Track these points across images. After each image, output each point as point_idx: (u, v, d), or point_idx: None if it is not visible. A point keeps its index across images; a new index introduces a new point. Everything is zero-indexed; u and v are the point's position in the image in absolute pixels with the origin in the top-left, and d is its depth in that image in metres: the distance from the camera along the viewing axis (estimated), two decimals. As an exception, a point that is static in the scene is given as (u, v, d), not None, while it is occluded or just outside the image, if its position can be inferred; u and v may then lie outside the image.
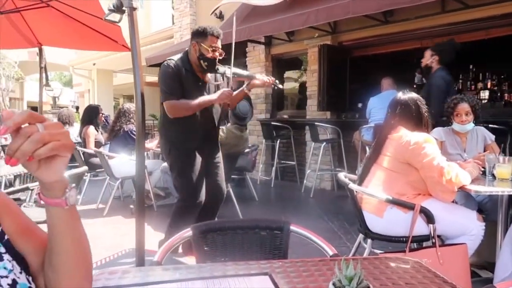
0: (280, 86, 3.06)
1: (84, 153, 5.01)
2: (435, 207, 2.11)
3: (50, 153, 0.60)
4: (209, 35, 2.76)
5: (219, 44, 2.79)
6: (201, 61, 2.76)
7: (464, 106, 2.70)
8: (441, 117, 3.35)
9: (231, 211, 4.32)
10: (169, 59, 2.78)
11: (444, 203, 2.16)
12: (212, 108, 2.90)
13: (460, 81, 6.23)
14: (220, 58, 2.79)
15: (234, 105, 3.19)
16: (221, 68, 2.88)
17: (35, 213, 2.91)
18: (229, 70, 2.87)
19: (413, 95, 2.33)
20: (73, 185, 0.69)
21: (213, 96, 2.81)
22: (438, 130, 2.85)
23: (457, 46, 3.91)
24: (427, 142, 2.13)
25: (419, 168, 2.14)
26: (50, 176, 0.64)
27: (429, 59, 3.92)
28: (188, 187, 2.86)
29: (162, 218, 4.22)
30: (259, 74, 3.07)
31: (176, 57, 2.81)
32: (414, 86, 6.54)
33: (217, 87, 2.95)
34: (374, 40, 5.56)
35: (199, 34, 2.79)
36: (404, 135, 2.20)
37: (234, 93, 2.87)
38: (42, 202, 0.69)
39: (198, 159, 2.88)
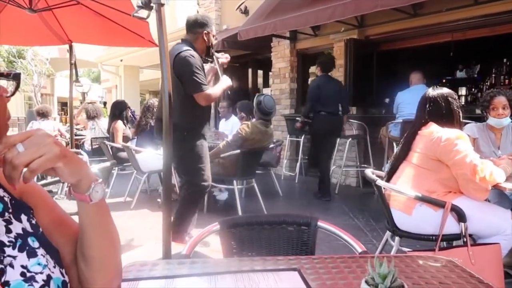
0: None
1: (112, 147, 5.13)
2: (467, 205, 2.05)
3: (34, 174, 0.59)
4: (212, 24, 2.99)
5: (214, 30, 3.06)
6: (211, 50, 2.99)
7: (501, 100, 2.59)
8: (310, 112, 4.71)
9: (255, 206, 4.34)
10: (186, 50, 2.83)
11: (477, 201, 2.09)
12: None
13: (493, 75, 6.01)
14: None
15: None
16: None
17: (66, 205, 3.01)
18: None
19: (444, 90, 2.25)
20: (100, 180, 0.70)
21: (222, 85, 3.03)
22: (471, 127, 2.75)
23: (333, 59, 5.19)
24: (459, 139, 2.06)
25: (451, 165, 2.08)
26: (67, 179, 0.66)
27: (315, 69, 5.02)
28: (202, 171, 3.00)
29: (187, 212, 4.27)
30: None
31: (187, 48, 2.88)
32: (444, 80, 6.38)
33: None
34: (402, 34, 5.42)
35: (207, 24, 2.97)
36: (435, 131, 2.13)
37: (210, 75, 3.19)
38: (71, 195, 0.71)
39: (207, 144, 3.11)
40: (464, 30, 4.93)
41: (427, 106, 2.23)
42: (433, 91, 2.26)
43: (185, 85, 2.81)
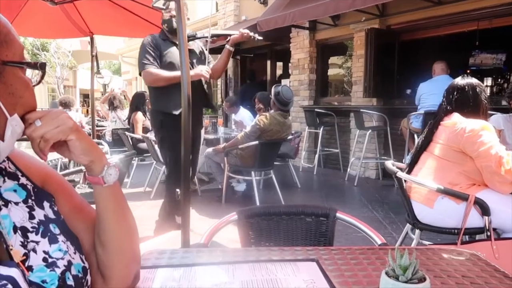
0: (259, 37, 2.95)
1: (132, 138, 5.20)
2: (491, 199, 1.99)
3: (48, 144, 0.65)
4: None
5: (172, 5, 2.76)
6: (164, 26, 2.94)
7: None
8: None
9: (273, 197, 4.34)
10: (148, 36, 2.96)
11: (502, 194, 2.02)
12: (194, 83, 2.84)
13: (520, 65, 5.80)
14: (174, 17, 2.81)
15: (221, 71, 3.20)
16: (199, 33, 2.99)
17: (87, 195, 3.08)
18: (207, 33, 2.93)
19: (473, 80, 2.17)
20: (112, 164, 0.73)
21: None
22: (496, 118, 2.67)
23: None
24: (484, 130, 2.00)
25: (475, 157, 2.02)
26: (80, 157, 0.69)
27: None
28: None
29: (206, 203, 4.32)
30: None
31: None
32: (468, 71, 6.19)
33: (201, 55, 3.08)
34: (425, 23, 5.26)
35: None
36: (459, 122, 2.07)
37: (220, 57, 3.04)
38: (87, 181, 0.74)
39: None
40: (491, 18, 4.76)
41: (454, 94, 2.16)
42: (461, 80, 2.19)
43: None
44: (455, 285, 0.84)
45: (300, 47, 6.85)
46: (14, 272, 0.58)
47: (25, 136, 0.67)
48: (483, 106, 2.12)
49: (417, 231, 2.20)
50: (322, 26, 6.50)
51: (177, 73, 2.75)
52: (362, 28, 5.66)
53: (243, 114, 5.74)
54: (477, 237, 2.10)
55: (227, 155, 4.25)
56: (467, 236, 2.16)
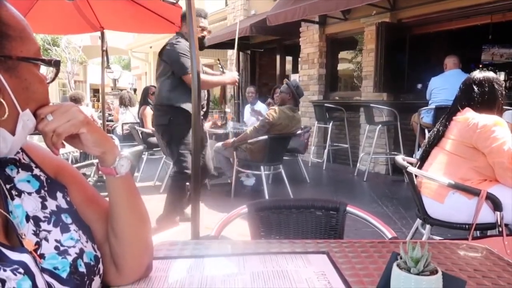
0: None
1: (142, 132, 5.24)
2: (503, 194, 1.96)
3: (62, 137, 0.66)
4: (202, 17, 3.10)
5: (206, 23, 3.14)
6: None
7: None
8: None
9: (282, 192, 4.34)
10: (174, 39, 3.08)
11: (514, 190, 2.00)
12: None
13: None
14: (208, 36, 3.20)
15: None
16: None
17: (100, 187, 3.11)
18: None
19: (490, 74, 2.14)
20: (124, 155, 0.74)
21: (224, 78, 3.26)
22: (510, 113, 2.63)
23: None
24: (496, 125, 1.97)
25: (487, 153, 1.99)
26: (92, 149, 0.71)
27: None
28: (185, 158, 3.13)
29: (215, 197, 4.34)
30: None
31: (177, 37, 3.11)
32: (481, 65, 6.10)
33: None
34: (437, 17, 5.19)
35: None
36: (471, 117, 2.04)
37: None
38: (100, 172, 0.75)
39: None
40: (505, 11, 4.67)
41: (471, 88, 2.13)
42: (479, 74, 2.15)
43: (174, 68, 2.98)
44: (467, 278, 0.83)
45: (310, 41, 6.81)
46: (25, 258, 0.60)
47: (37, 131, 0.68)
48: (499, 102, 2.09)
49: (428, 226, 2.19)
50: (332, 20, 6.45)
51: (218, 78, 3.25)
52: (373, 22, 5.61)
53: (260, 107, 5.77)
54: (488, 232, 2.08)
55: (236, 149, 4.26)
56: (477, 232, 2.14)
